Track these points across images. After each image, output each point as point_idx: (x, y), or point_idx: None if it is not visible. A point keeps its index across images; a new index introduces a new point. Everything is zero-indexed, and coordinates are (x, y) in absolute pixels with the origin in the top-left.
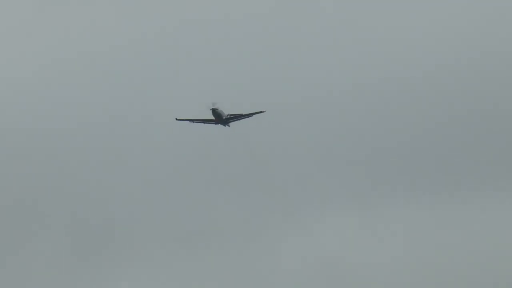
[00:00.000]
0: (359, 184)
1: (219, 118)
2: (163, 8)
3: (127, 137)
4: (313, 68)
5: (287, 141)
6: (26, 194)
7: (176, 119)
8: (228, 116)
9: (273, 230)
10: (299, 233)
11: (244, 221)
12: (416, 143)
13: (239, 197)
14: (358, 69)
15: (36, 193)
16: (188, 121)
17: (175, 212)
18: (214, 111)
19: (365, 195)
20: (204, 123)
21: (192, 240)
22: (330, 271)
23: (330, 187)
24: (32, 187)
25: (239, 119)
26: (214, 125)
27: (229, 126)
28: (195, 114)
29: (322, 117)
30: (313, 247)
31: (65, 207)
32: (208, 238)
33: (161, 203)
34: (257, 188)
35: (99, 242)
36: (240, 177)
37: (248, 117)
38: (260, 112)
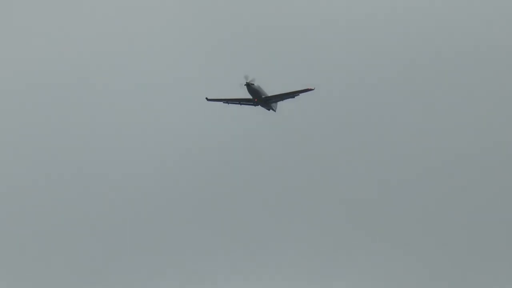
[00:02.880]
0: None
1: (258, 96)
2: None
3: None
4: None
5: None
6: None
7: (207, 99)
8: (268, 97)
9: None
10: None
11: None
12: None
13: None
14: None
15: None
16: (221, 102)
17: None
18: (250, 87)
19: None
20: (240, 103)
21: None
22: None
23: None
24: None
25: (283, 99)
26: (253, 106)
27: (274, 110)
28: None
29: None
30: None
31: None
32: None
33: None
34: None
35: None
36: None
37: (293, 96)
38: (308, 90)
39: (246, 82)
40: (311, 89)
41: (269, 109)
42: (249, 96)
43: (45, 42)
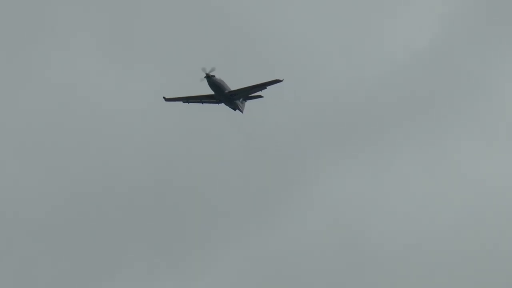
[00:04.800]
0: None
1: (220, 92)
2: None
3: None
4: None
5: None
6: None
7: (165, 98)
8: (232, 91)
9: None
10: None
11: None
12: None
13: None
14: None
15: None
16: (181, 101)
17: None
18: (210, 80)
19: None
20: (202, 102)
21: None
22: None
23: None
24: None
25: (249, 94)
26: (217, 105)
27: (241, 110)
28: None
29: None
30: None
31: None
32: None
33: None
34: None
35: None
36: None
37: (261, 89)
38: (277, 81)
39: (206, 74)
40: (279, 80)
41: (235, 109)
42: (211, 92)
43: None
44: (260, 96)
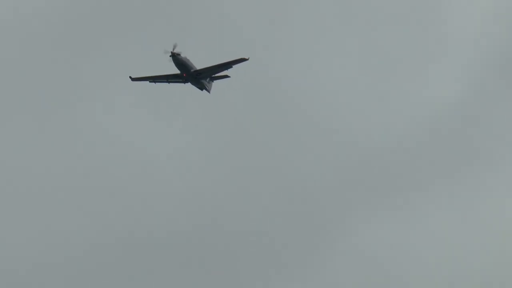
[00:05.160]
0: None
1: (186, 70)
2: None
3: None
4: None
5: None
6: None
7: (131, 78)
8: (198, 70)
9: None
10: None
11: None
12: None
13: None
14: None
15: None
16: (147, 81)
17: None
18: (175, 58)
19: None
20: (168, 82)
21: None
22: None
23: None
24: None
25: (215, 73)
26: (183, 84)
27: (208, 91)
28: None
29: None
30: None
31: None
32: None
33: None
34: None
35: None
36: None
37: (227, 68)
38: (243, 60)
39: (171, 53)
40: (245, 59)
41: (202, 89)
42: (177, 71)
43: None
44: (226, 76)
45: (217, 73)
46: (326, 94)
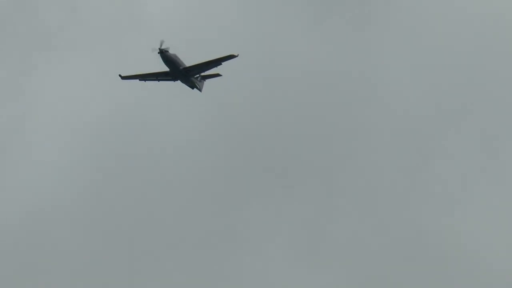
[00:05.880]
0: None
1: (175, 68)
2: None
3: None
4: None
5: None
6: None
7: (121, 76)
8: (187, 67)
9: None
10: None
11: None
12: None
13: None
14: None
15: None
16: (137, 79)
17: None
18: (164, 55)
19: None
20: (158, 80)
21: None
22: None
23: None
24: None
25: (204, 71)
26: (173, 82)
27: (199, 89)
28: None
29: None
30: None
31: None
32: None
33: None
34: None
35: None
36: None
37: (216, 65)
38: (232, 56)
39: (159, 49)
40: (234, 56)
41: (193, 87)
42: (166, 69)
43: None
44: (218, 75)
45: (207, 70)
46: (326, 92)
